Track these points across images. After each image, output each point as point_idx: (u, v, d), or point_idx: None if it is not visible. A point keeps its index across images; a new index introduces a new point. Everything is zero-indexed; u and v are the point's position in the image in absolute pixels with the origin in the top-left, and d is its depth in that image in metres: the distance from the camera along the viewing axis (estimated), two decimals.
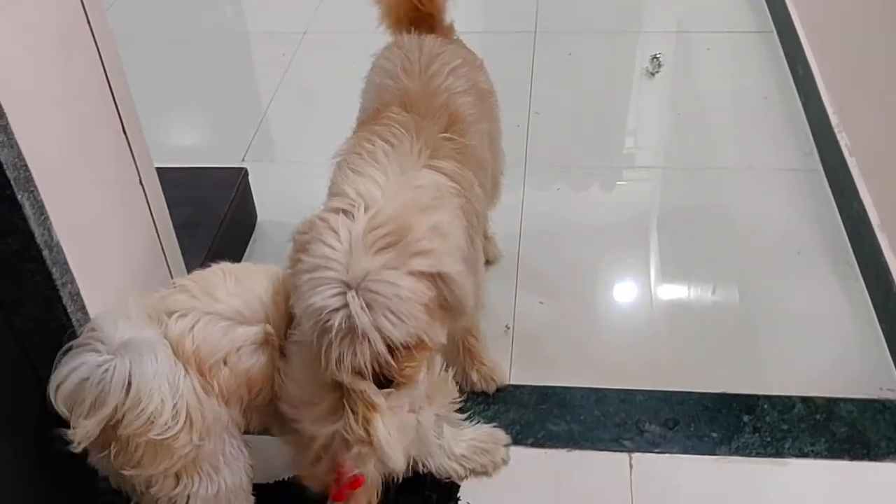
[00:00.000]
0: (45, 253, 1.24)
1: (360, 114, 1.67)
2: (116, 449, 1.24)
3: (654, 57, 2.79)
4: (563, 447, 1.70)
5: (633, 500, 1.60)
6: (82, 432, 1.21)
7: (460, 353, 1.76)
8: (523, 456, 1.68)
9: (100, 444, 1.25)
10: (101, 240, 1.42)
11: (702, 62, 2.85)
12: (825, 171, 2.32)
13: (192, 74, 2.94)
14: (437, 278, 1.21)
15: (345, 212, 1.20)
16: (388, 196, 1.23)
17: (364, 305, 1.14)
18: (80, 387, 1.21)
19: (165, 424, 1.22)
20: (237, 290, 1.33)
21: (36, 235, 1.21)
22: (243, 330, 1.30)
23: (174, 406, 1.23)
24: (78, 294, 1.33)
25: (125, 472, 1.27)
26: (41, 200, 1.22)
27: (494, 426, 1.71)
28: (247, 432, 1.41)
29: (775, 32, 2.88)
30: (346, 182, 1.27)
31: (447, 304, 1.23)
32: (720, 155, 2.46)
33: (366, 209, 1.20)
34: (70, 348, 1.24)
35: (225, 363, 1.29)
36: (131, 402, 1.20)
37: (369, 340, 1.16)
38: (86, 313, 1.35)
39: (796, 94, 2.60)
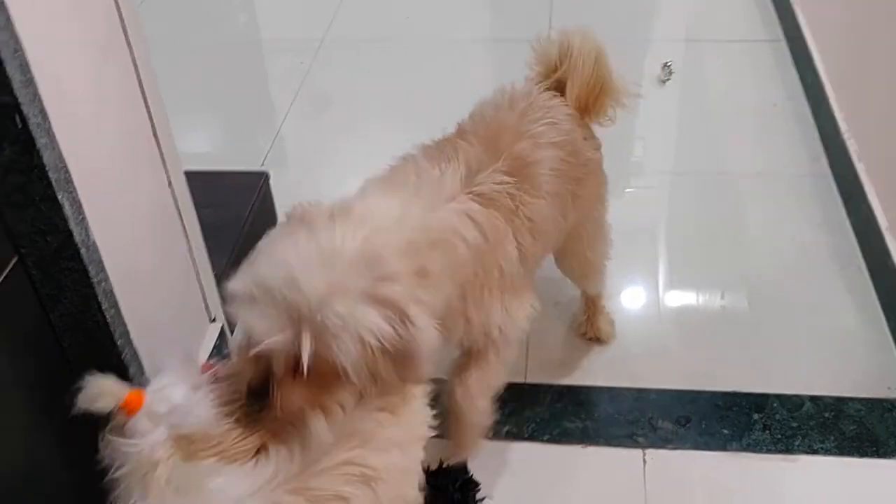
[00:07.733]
0: (83, 251, 1.27)
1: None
2: None
3: (666, 65, 2.84)
4: (577, 443, 1.74)
5: (646, 494, 1.64)
6: None
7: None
8: (539, 452, 1.73)
9: None
10: (133, 239, 1.47)
11: (713, 70, 2.89)
12: (834, 175, 2.36)
13: (211, 83, 3.00)
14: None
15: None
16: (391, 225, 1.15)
17: None
18: None
19: None
20: None
21: (74, 234, 1.25)
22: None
23: None
24: (111, 291, 1.36)
25: None
26: (79, 201, 1.25)
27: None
28: None
29: (785, 41, 2.92)
30: (363, 194, 1.27)
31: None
32: (730, 161, 2.50)
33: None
34: None
35: None
36: None
37: None
38: (118, 311, 1.39)
39: (805, 101, 2.64)
